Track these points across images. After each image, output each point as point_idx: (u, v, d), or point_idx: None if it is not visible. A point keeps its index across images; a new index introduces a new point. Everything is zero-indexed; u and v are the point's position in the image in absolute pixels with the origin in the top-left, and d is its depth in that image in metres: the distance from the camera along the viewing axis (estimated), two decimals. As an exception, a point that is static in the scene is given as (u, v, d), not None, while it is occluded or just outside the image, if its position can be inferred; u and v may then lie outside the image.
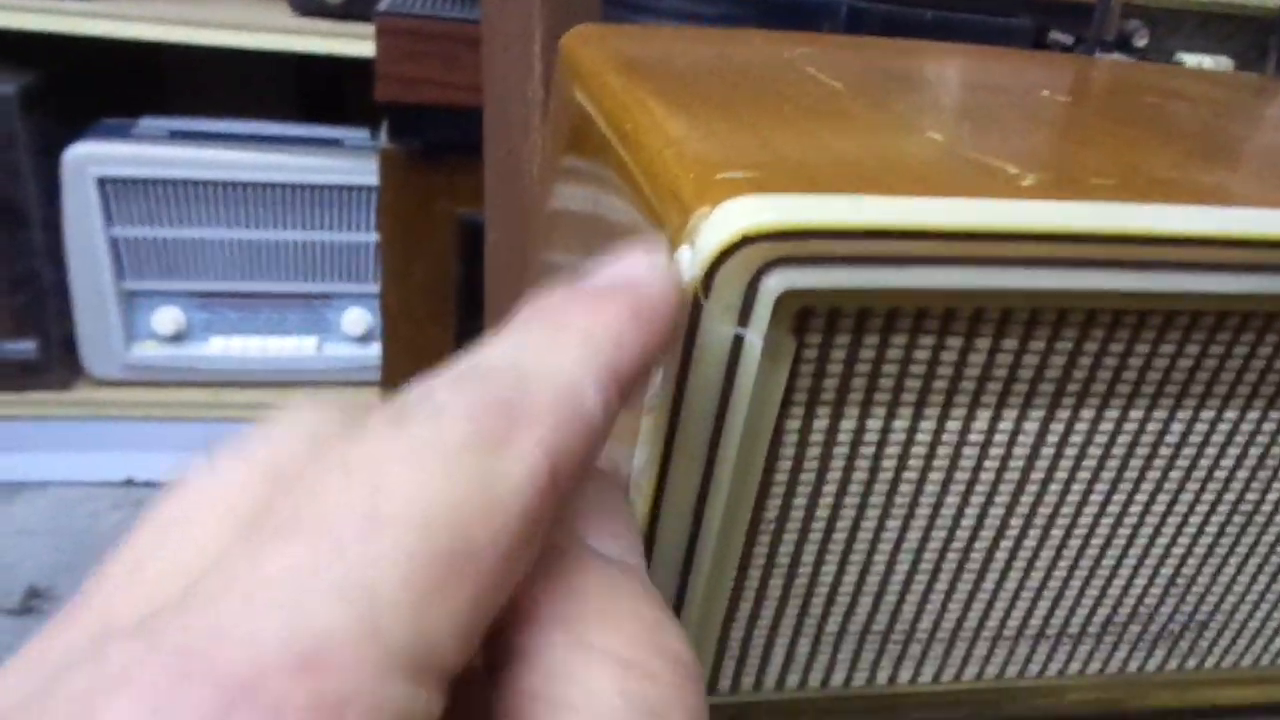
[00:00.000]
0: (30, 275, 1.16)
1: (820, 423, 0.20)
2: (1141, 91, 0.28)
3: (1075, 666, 0.26)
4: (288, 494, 0.12)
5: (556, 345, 0.14)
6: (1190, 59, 1.12)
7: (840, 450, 0.20)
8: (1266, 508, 0.24)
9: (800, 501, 0.21)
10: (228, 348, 1.22)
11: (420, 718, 0.11)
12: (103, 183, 1.11)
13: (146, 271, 1.17)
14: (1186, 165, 0.20)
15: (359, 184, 1.15)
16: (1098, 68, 0.32)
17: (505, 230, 0.38)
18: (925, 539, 0.22)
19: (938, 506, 0.22)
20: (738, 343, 0.16)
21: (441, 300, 0.77)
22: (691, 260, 0.15)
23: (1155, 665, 0.27)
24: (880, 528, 0.22)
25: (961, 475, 0.21)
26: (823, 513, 0.21)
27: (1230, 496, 0.23)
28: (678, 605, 0.19)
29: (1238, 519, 0.24)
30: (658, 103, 0.22)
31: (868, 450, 0.21)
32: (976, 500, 0.22)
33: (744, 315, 0.15)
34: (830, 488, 0.21)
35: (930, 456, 0.21)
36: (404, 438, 0.12)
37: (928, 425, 0.20)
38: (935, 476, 0.21)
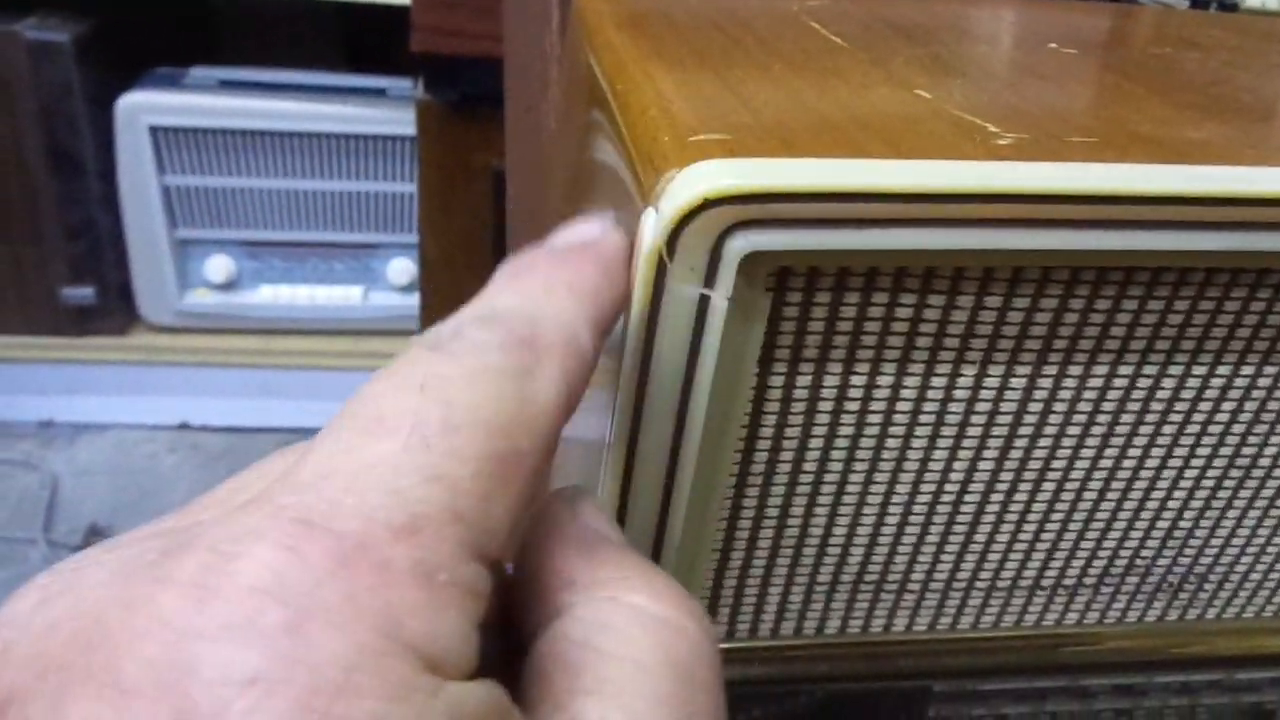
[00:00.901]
0: (87, 223, 1.19)
1: (804, 379, 0.20)
2: (1157, 42, 0.28)
3: (1072, 617, 0.26)
4: (372, 400, 0.14)
5: (551, 296, 0.16)
6: (1256, -4, 1.08)
7: (825, 405, 0.21)
8: (1264, 461, 0.24)
9: (787, 455, 0.22)
10: (276, 296, 1.25)
11: (481, 592, 0.14)
12: (155, 131, 1.13)
13: (198, 220, 1.20)
14: (1177, 120, 0.20)
15: (403, 134, 1.16)
16: (1121, 16, 0.31)
17: (525, 183, 0.39)
18: (915, 491, 0.23)
19: (925, 460, 0.22)
20: (704, 302, 0.16)
21: (478, 250, 0.78)
22: (656, 222, 0.15)
23: (1154, 616, 0.27)
24: (869, 481, 0.22)
25: (949, 430, 0.22)
26: (810, 466, 0.22)
27: (1226, 450, 0.23)
28: (655, 556, 0.20)
29: (1235, 472, 0.24)
30: (651, 61, 0.22)
31: (853, 405, 0.21)
32: (965, 454, 0.22)
33: (709, 276, 0.16)
34: (817, 442, 0.21)
35: (917, 411, 0.21)
36: (457, 364, 0.15)
37: (913, 380, 0.21)
38: (922, 431, 0.22)
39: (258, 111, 1.14)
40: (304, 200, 1.20)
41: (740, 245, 0.16)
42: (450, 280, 0.79)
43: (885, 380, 0.21)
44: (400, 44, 0.70)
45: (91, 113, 1.13)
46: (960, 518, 0.23)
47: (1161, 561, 0.25)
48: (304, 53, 1.34)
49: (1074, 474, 0.23)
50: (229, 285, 1.24)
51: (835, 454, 0.22)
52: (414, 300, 1.24)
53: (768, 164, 0.15)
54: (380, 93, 1.18)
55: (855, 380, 0.21)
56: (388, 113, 1.15)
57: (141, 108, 1.11)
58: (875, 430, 0.21)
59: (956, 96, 0.20)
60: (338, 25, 1.40)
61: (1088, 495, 0.23)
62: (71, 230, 1.18)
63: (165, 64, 1.19)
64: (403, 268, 1.25)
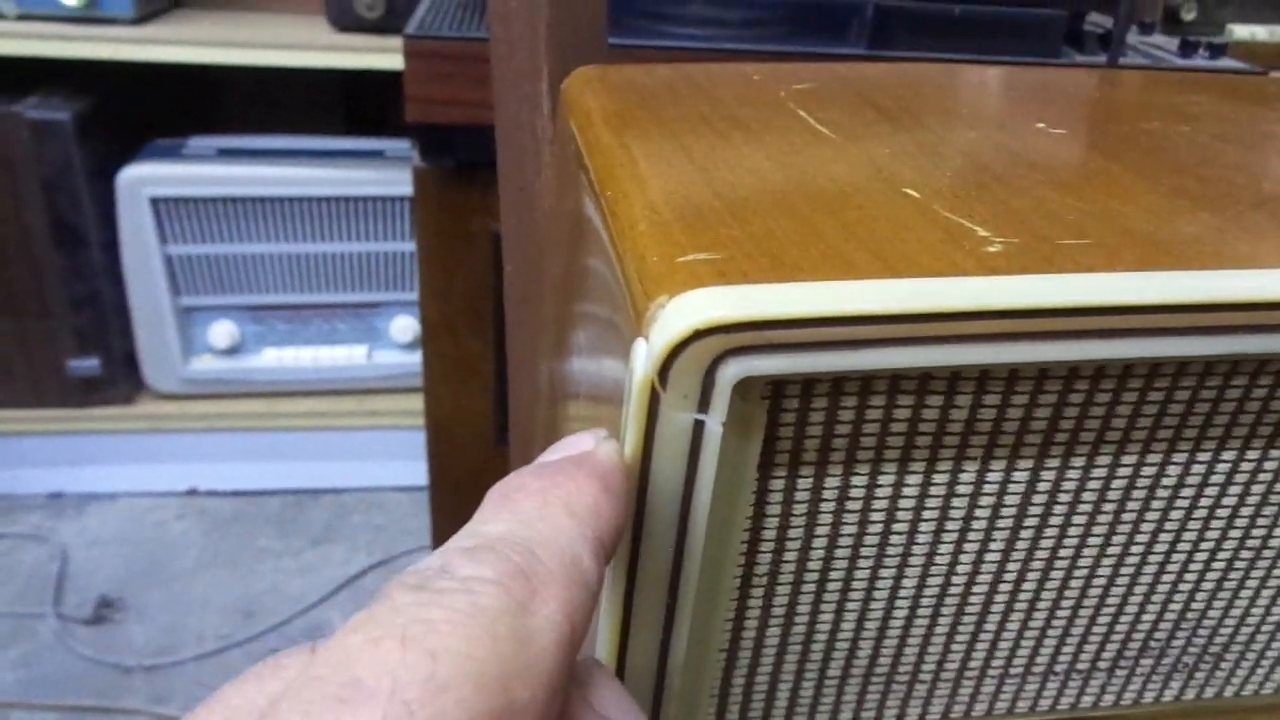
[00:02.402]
0: (92, 295, 1.20)
1: (805, 481, 0.20)
2: (1145, 114, 0.28)
3: (1087, 700, 0.26)
4: (345, 661, 0.12)
5: (547, 519, 0.15)
6: (1242, 30, 1.09)
7: (827, 506, 0.21)
8: (1275, 543, 0.23)
9: (791, 555, 0.21)
10: (281, 358, 1.25)
11: None
12: (155, 202, 1.14)
13: (200, 287, 1.21)
14: (1168, 212, 0.20)
15: (400, 195, 1.17)
16: (1109, 85, 0.32)
17: (521, 262, 0.39)
18: (921, 585, 0.22)
19: (931, 554, 0.22)
20: (698, 427, 0.16)
21: (480, 312, 0.78)
22: (647, 353, 0.15)
23: (1171, 696, 0.26)
24: (875, 576, 0.22)
25: (953, 524, 0.21)
26: (814, 565, 0.22)
27: (1235, 534, 0.23)
28: (658, 683, 0.19)
29: (1245, 554, 0.23)
30: (639, 165, 0.22)
31: (855, 505, 0.21)
32: (970, 548, 0.22)
33: (703, 402, 0.16)
34: (820, 541, 0.21)
35: (920, 508, 0.21)
36: (443, 607, 0.13)
37: (914, 479, 0.21)
38: (926, 527, 0.21)
39: (256, 179, 1.15)
40: (305, 263, 1.21)
41: (734, 371, 0.15)
42: (452, 343, 0.79)
43: (886, 480, 0.20)
44: (396, 106, 0.70)
45: (93, 187, 1.14)
46: (969, 608, 0.23)
47: (1175, 643, 0.25)
48: (302, 117, 1.36)
49: (1081, 562, 0.23)
50: (233, 350, 1.24)
51: (839, 552, 0.21)
52: (418, 357, 1.24)
53: (756, 291, 0.15)
54: (378, 154, 1.19)
55: (856, 481, 0.20)
56: (385, 174, 1.16)
57: (142, 180, 1.12)
58: (879, 528, 0.21)
59: (945, 194, 0.20)
60: (334, 90, 1.41)
61: (1096, 582, 0.23)
62: (76, 302, 1.19)
63: (164, 135, 1.20)
64: (405, 325, 1.25)
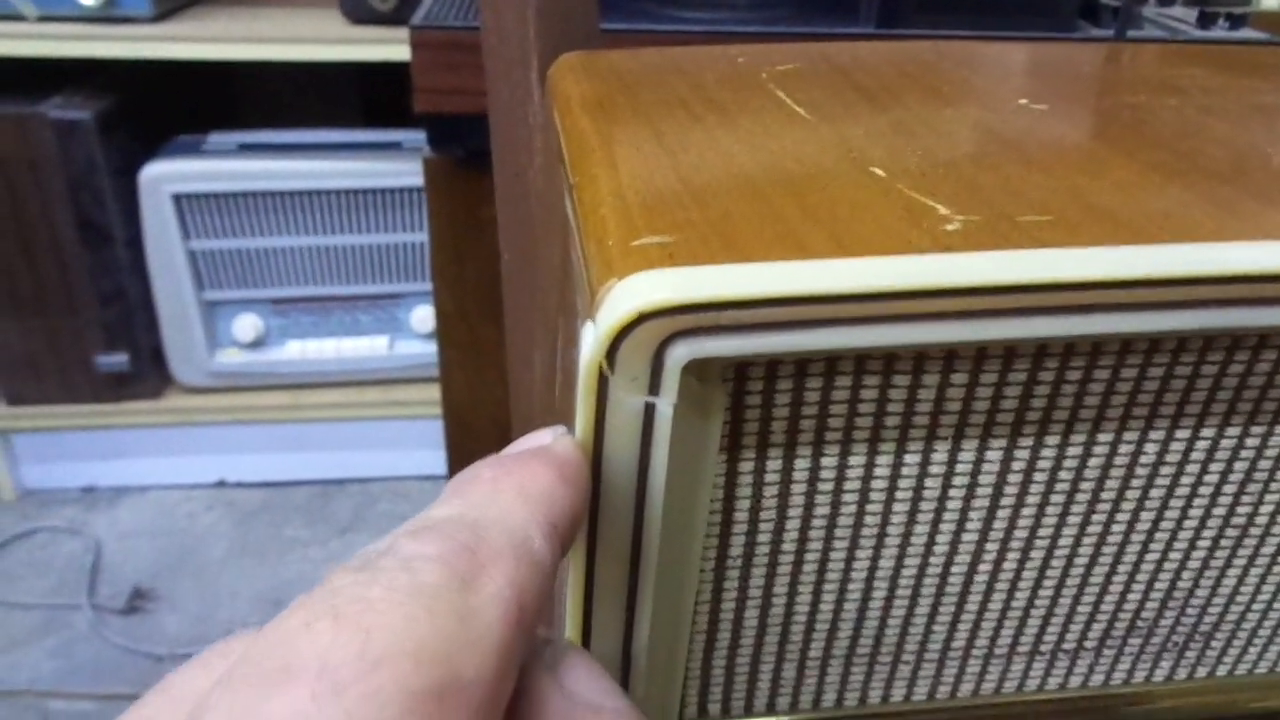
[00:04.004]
0: (118, 291, 1.22)
1: (774, 463, 0.20)
2: (1133, 89, 0.28)
3: (1075, 681, 0.26)
4: (278, 644, 0.12)
5: (498, 502, 0.15)
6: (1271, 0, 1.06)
7: (798, 488, 0.21)
8: (1261, 520, 0.23)
9: (765, 537, 0.21)
10: (304, 350, 1.26)
11: None
12: (178, 198, 1.15)
13: (224, 281, 1.22)
14: (1139, 186, 0.19)
15: (419, 185, 1.17)
16: (1097, 60, 0.31)
17: (518, 249, 0.39)
18: (899, 565, 0.22)
19: (907, 535, 0.22)
20: (650, 409, 0.16)
21: (493, 299, 0.79)
22: (593, 336, 0.15)
23: (1162, 676, 0.26)
24: (851, 557, 0.22)
25: (927, 505, 0.21)
26: (789, 546, 0.22)
27: (1219, 511, 0.23)
28: (624, 660, 0.19)
29: (1230, 532, 0.23)
30: (609, 150, 0.22)
31: (826, 486, 0.21)
32: (947, 528, 0.22)
33: (653, 385, 0.16)
34: (794, 523, 0.21)
35: (892, 489, 0.21)
36: (382, 585, 0.13)
37: (885, 460, 0.20)
38: (900, 507, 0.21)
39: (276, 173, 1.16)
40: (326, 255, 1.22)
41: (681, 353, 0.16)
42: (466, 331, 0.80)
43: (857, 460, 0.20)
44: (412, 97, 0.71)
45: (116, 185, 1.15)
46: (949, 588, 0.23)
47: (1163, 623, 0.25)
48: (320, 111, 1.37)
49: (1061, 542, 0.23)
50: (257, 343, 1.26)
51: (814, 533, 0.22)
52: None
53: (701, 273, 0.15)
54: (395, 146, 1.20)
55: (826, 462, 0.20)
56: (402, 165, 1.17)
57: (163, 177, 1.14)
58: (852, 509, 0.21)
59: (912, 172, 0.20)
60: (351, 83, 1.42)
61: (1078, 561, 0.23)
62: (103, 299, 1.21)
63: (185, 132, 1.21)
64: (426, 315, 1.26)
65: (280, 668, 0.12)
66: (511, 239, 0.39)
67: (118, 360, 1.24)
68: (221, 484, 1.35)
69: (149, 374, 1.27)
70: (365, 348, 1.27)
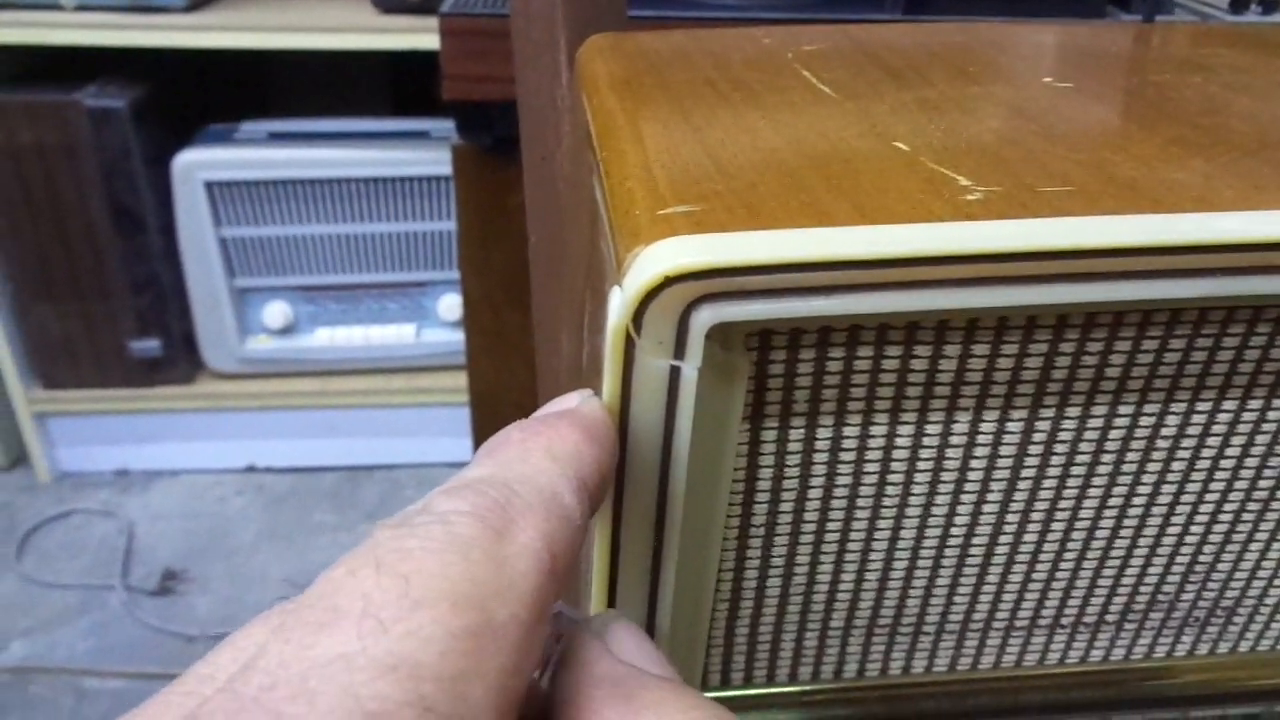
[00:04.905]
0: (151, 278, 1.24)
1: (797, 432, 0.21)
2: (1159, 67, 0.28)
3: (1096, 654, 0.26)
4: (325, 592, 0.13)
5: (528, 460, 0.15)
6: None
7: (821, 457, 0.21)
8: (1283, 495, 0.23)
9: (787, 506, 0.22)
10: (333, 338, 1.27)
11: None
12: (210, 186, 1.17)
13: (255, 268, 1.23)
14: (1160, 159, 0.20)
15: (447, 174, 1.18)
16: (1129, 39, 0.31)
17: (545, 232, 0.40)
18: (920, 536, 0.23)
19: (928, 505, 0.22)
20: (675, 373, 0.16)
21: (519, 286, 0.79)
22: (620, 300, 0.16)
23: (1184, 651, 0.26)
24: (873, 527, 0.22)
25: (949, 475, 0.22)
26: (811, 516, 0.22)
27: (1241, 484, 0.23)
28: (650, 617, 0.20)
29: (1253, 505, 0.23)
30: (636, 126, 0.22)
31: (848, 456, 0.21)
32: (968, 498, 0.22)
33: (679, 348, 0.16)
34: (816, 492, 0.22)
35: (914, 459, 0.21)
36: (419, 537, 0.13)
37: (907, 429, 0.21)
38: (922, 477, 0.22)
39: (306, 161, 1.17)
40: (355, 243, 1.23)
41: (706, 318, 0.16)
42: (492, 317, 0.80)
43: (879, 430, 0.21)
44: (440, 87, 0.71)
45: (150, 172, 1.17)
46: (970, 560, 0.23)
47: (1185, 597, 0.25)
48: (350, 100, 1.38)
49: (1082, 514, 0.23)
50: (287, 330, 1.27)
51: (836, 503, 0.22)
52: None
53: (726, 239, 0.16)
54: (423, 135, 1.21)
55: (849, 431, 0.21)
56: (430, 154, 1.18)
57: (196, 165, 1.15)
58: (874, 479, 0.22)
59: (935, 146, 0.20)
60: (381, 72, 1.43)
61: (1100, 534, 0.23)
62: (136, 285, 1.23)
63: (217, 120, 1.23)
64: (453, 303, 1.27)
65: (327, 609, 0.12)
66: (539, 222, 0.39)
67: (150, 346, 1.26)
68: (251, 469, 1.37)
69: (181, 360, 1.29)
70: (393, 335, 1.28)
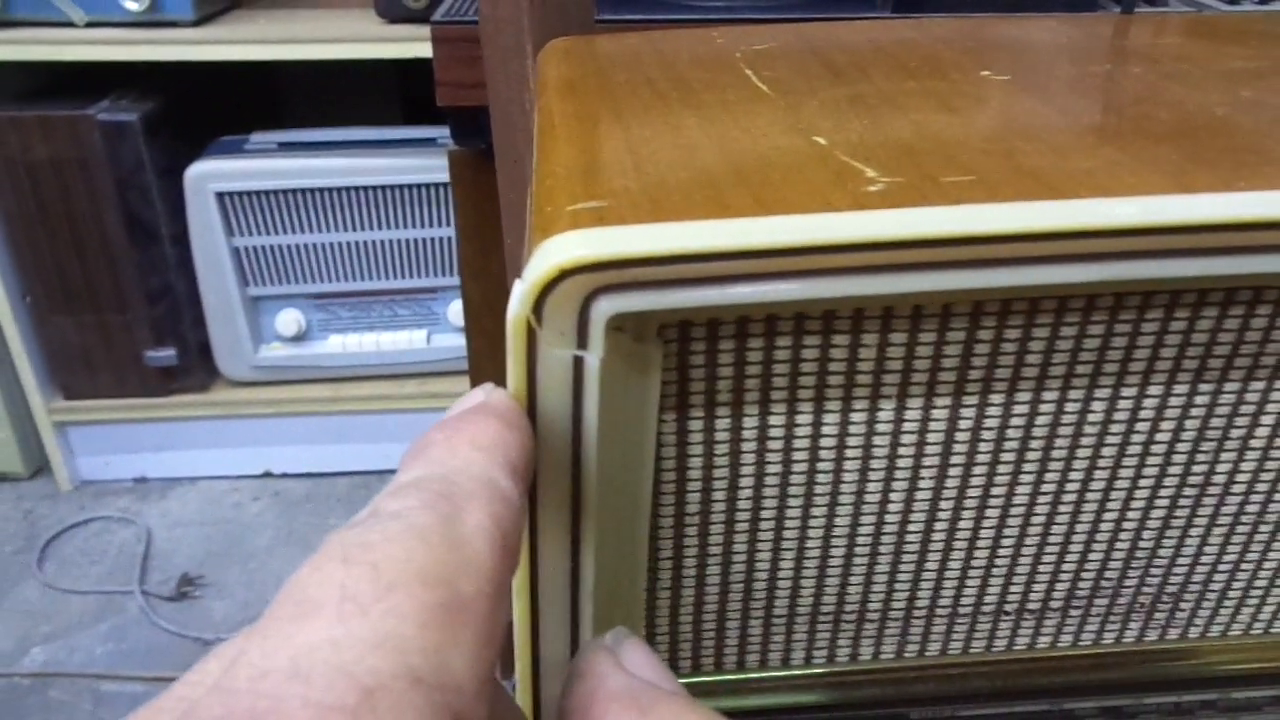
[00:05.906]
0: (165, 288, 1.26)
1: (722, 421, 0.21)
2: (1099, 58, 0.28)
3: (1044, 640, 0.26)
4: (296, 590, 0.13)
5: (457, 455, 0.16)
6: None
7: (748, 445, 0.21)
8: (1218, 479, 0.23)
9: (719, 495, 0.22)
10: (345, 344, 1.29)
11: None
12: (221, 197, 1.19)
13: (267, 277, 1.25)
14: (1073, 149, 0.20)
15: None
16: (1075, 32, 0.31)
17: (519, 234, 0.40)
18: (855, 524, 0.23)
19: (860, 493, 0.23)
20: (579, 363, 0.17)
21: (519, 291, 0.80)
22: (519, 292, 0.16)
23: (1132, 637, 0.27)
24: (806, 515, 0.23)
25: (878, 463, 0.22)
26: (744, 504, 0.22)
27: (1175, 470, 0.23)
28: (572, 606, 0.20)
29: (1188, 491, 0.24)
30: (568, 127, 0.23)
31: (776, 445, 0.21)
32: (899, 486, 0.22)
33: (581, 339, 0.17)
34: (747, 480, 0.22)
35: (841, 447, 0.22)
36: (378, 531, 0.14)
37: (832, 418, 0.21)
38: (851, 465, 0.22)
39: (316, 170, 1.18)
40: (365, 251, 1.25)
41: (605, 308, 0.16)
42: (494, 322, 0.81)
43: (804, 419, 0.21)
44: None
45: (162, 184, 1.19)
46: (907, 547, 0.24)
47: (1128, 584, 0.25)
48: (359, 109, 1.40)
49: (1016, 501, 0.23)
50: (300, 337, 1.29)
51: (767, 491, 0.22)
52: (476, 341, 1.27)
53: (620, 232, 0.16)
54: (430, 142, 1.22)
55: (774, 421, 0.21)
56: (437, 161, 1.19)
57: (207, 176, 1.17)
58: (803, 468, 0.22)
59: (853, 141, 0.21)
60: (389, 81, 1.45)
61: (1035, 521, 0.23)
62: (151, 296, 1.25)
63: (228, 132, 1.25)
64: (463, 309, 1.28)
65: (302, 603, 0.13)
66: (512, 224, 0.40)
67: (166, 355, 1.28)
68: (268, 475, 1.39)
69: (196, 368, 1.31)
70: (404, 341, 1.29)
